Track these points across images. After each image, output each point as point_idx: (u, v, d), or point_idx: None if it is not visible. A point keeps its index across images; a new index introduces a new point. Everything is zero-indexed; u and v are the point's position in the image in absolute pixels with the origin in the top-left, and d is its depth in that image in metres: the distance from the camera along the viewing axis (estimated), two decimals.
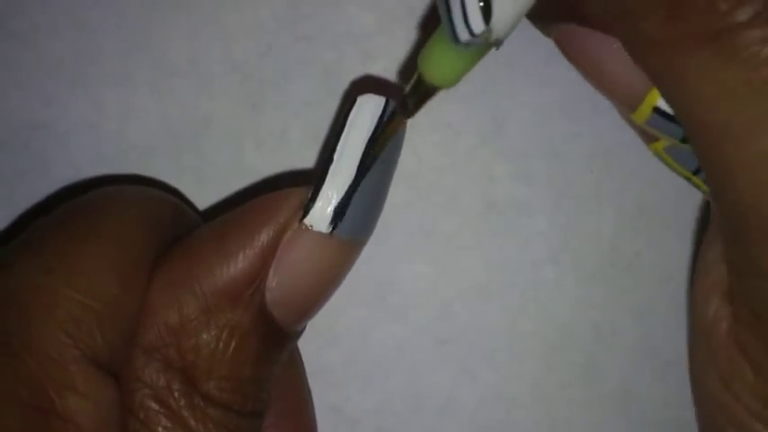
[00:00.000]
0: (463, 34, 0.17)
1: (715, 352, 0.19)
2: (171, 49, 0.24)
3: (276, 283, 0.19)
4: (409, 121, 0.24)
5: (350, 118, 0.19)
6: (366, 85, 0.24)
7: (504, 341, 0.25)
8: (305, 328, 0.21)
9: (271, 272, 0.19)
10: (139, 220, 0.20)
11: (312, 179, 0.20)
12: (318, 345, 0.24)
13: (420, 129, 0.24)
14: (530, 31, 0.24)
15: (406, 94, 0.19)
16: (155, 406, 0.19)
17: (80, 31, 0.24)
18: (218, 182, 0.24)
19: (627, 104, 0.19)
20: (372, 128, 0.19)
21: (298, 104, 0.24)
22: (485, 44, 0.17)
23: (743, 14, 0.16)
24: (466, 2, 0.17)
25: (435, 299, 0.25)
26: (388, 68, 0.24)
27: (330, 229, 0.19)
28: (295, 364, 0.23)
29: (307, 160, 0.24)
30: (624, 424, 0.25)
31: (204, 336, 0.19)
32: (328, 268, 0.20)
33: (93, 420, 0.18)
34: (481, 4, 0.17)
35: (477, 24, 0.17)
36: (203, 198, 0.24)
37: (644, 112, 0.19)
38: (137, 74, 0.24)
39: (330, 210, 0.19)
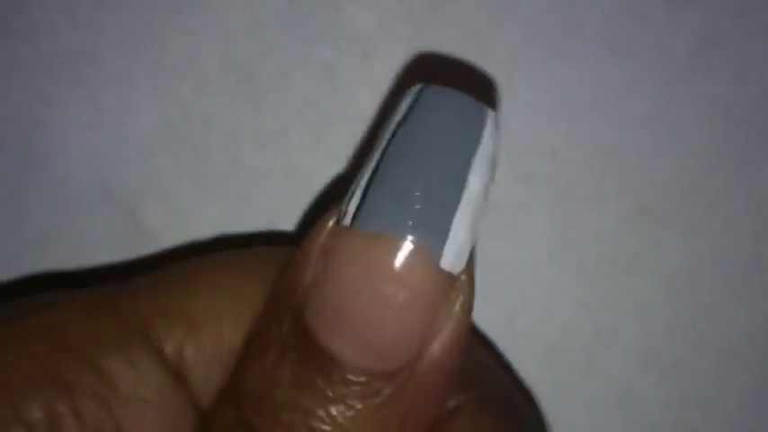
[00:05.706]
0: None
1: None
2: (170, 49, 0.24)
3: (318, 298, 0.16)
4: None
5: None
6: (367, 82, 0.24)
7: (504, 341, 0.25)
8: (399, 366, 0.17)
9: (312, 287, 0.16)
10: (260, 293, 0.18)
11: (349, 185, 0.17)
12: None
13: None
14: (529, 31, 0.24)
15: None
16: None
17: (80, 30, 0.24)
18: (217, 182, 0.24)
19: None
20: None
21: (298, 104, 0.24)
22: None
23: None
24: None
25: None
26: (388, 68, 0.24)
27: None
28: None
29: (307, 160, 0.24)
30: (624, 425, 0.25)
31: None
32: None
33: None
34: None
35: None
36: (203, 198, 0.24)
37: None
38: (136, 74, 0.24)
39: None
